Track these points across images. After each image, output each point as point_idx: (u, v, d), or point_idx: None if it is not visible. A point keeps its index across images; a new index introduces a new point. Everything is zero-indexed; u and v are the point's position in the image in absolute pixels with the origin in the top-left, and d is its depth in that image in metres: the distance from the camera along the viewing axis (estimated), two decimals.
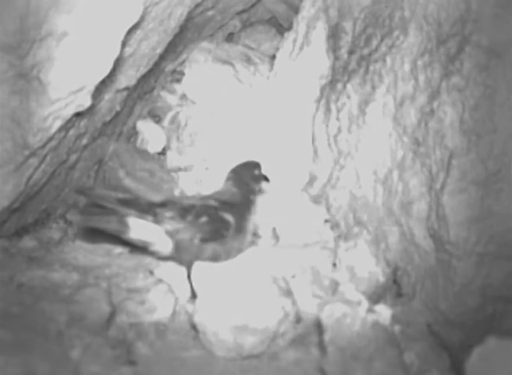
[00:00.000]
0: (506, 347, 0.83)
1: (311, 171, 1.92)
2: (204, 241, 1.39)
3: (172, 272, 1.49)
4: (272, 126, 2.01)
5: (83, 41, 1.36)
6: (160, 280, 1.44)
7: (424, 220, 1.44)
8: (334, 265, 1.58)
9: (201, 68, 2.37)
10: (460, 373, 1.05)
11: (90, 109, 1.54)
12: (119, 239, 1.43)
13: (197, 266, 1.44)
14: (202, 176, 2.18)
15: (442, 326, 1.37)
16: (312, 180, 1.91)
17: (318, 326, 1.24)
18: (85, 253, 1.59)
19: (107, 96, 1.78)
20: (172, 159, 2.30)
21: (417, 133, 1.48)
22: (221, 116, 2.30)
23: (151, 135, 2.35)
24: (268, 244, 1.77)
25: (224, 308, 1.29)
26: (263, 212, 1.83)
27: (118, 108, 1.91)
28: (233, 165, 1.60)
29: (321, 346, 1.18)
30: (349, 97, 1.76)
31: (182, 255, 1.41)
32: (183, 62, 2.42)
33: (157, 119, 2.41)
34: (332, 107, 1.83)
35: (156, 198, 1.45)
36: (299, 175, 1.94)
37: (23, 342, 1.08)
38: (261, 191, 1.58)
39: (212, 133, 2.28)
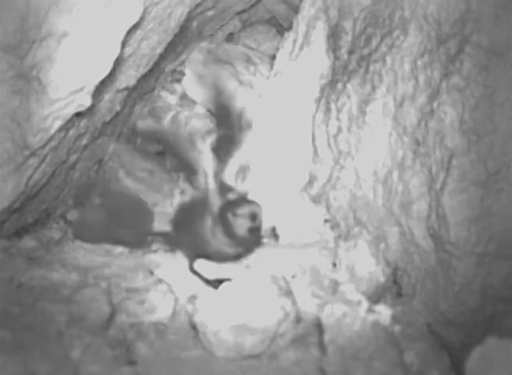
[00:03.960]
0: (506, 347, 0.83)
1: (311, 171, 1.92)
2: None
3: (172, 272, 1.49)
4: (272, 126, 2.01)
5: (83, 41, 1.36)
6: (160, 280, 1.44)
7: (424, 220, 1.44)
8: (334, 265, 1.58)
9: (201, 68, 2.37)
10: (460, 373, 1.05)
11: (90, 109, 1.54)
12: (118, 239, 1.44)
13: (197, 265, 1.44)
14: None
15: (442, 326, 1.37)
16: (312, 180, 1.91)
17: (318, 326, 1.24)
18: (85, 253, 1.59)
19: (107, 96, 1.78)
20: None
21: (417, 133, 1.48)
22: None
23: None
24: (268, 244, 1.77)
25: (224, 308, 1.29)
26: (263, 212, 1.84)
27: (118, 108, 1.91)
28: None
29: (321, 346, 1.18)
30: (349, 97, 1.76)
31: None
32: (183, 62, 2.42)
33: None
34: (332, 107, 1.83)
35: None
36: (299, 175, 1.94)
37: (23, 342, 1.08)
38: None
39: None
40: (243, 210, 1.35)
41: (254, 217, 1.34)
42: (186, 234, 1.49)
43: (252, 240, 1.36)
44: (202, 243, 1.39)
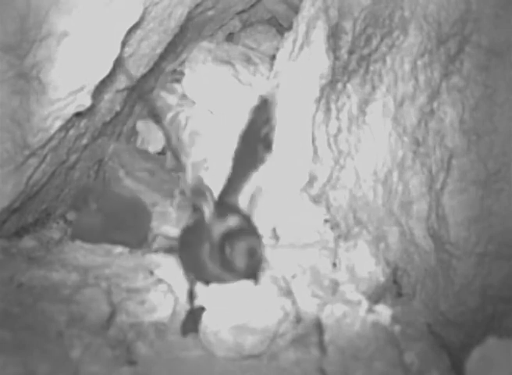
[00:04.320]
0: (506, 347, 0.83)
1: (311, 171, 1.92)
2: None
3: (172, 272, 1.49)
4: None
5: (84, 41, 1.36)
6: (160, 280, 1.44)
7: (424, 220, 1.44)
8: (334, 265, 1.58)
9: (201, 68, 2.37)
10: (460, 373, 1.05)
11: (90, 109, 1.54)
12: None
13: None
14: (202, 176, 2.18)
15: (442, 326, 1.37)
16: (312, 180, 1.91)
17: (318, 326, 1.24)
18: (85, 253, 1.58)
19: (107, 96, 1.78)
20: (172, 159, 2.30)
21: (417, 133, 1.48)
22: (221, 115, 2.30)
23: (151, 135, 2.35)
24: (268, 244, 1.77)
25: (224, 308, 1.29)
26: (263, 212, 1.83)
27: (118, 108, 1.91)
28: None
29: (321, 346, 1.18)
30: (349, 97, 1.76)
31: None
32: (183, 62, 2.42)
33: (157, 119, 2.41)
34: (332, 107, 1.83)
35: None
36: (299, 175, 1.94)
37: (23, 342, 1.08)
38: None
39: (212, 133, 2.28)
40: (241, 245, 1.28)
41: (252, 253, 1.23)
42: (186, 257, 1.43)
43: (250, 275, 1.29)
44: (202, 268, 1.33)
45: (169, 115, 2.39)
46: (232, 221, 1.28)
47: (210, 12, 2.26)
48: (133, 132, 2.35)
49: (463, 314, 1.33)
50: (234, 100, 2.29)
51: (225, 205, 1.35)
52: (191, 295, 1.38)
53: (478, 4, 1.34)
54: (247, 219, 1.32)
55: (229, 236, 1.24)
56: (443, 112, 1.40)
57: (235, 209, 1.34)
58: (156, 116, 1.77)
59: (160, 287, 1.40)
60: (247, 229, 1.28)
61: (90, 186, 2.02)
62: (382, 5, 1.65)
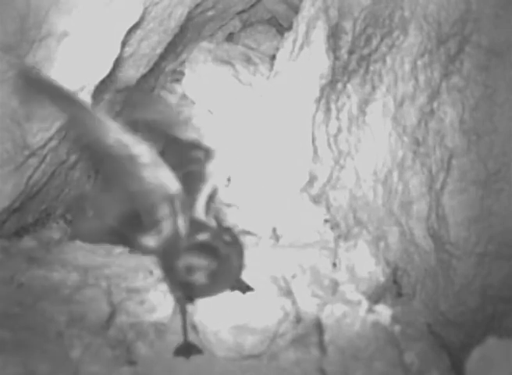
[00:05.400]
0: (506, 347, 0.83)
1: (311, 171, 1.92)
2: None
3: None
4: (272, 126, 2.01)
5: (83, 41, 1.36)
6: (160, 280, 1.44)
7: (424, 220, 1.44)
8: (334, 265, 1.58)
9: (201, 68, 2.37)
10: (460, 373, 1.05)
11: None
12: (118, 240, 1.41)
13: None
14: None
15: (442, 326, 1.37)
16: (312, 180, 1.91)
17: (318, 326, 1.24)
18: (85, 253, 1.59)
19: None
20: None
21: (417, 133, 1.48)
22: (221, 115, 2.31)
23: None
24: (268, 244, 1.77)
25: (224, 308, 1.28)
26: (263, 212, 1.84)
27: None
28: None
29: (321, 346, 1.18)
30: (349, 97, 1.76)
31: None
32: (183, 62, 2.42)
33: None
34: (332, 107, 1.83)
35: None
36: (299, 175, 1.94)
37: (23, 342, 1.08)
38: None
39: (212, 133, 2.28)
40: (182, 262, 1.20)
41: (191, 270, 1.19)
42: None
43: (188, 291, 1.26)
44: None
45: None
46: (202, 237, 1.21)
47: (210, 12, 2.26)
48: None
49: (463, 314, 1.33)
50: (234, 100, 2.29)
51: (196, 224, 1.26)
52: (183, 312, 1.31)
53: (478, 4, 1.34)
54: (216, 238, 1.23)
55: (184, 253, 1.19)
56: (443, 112, 1.40)
57: (205, 229, 1.25)
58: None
59: (160, 287, 1.40)
60: (205, 246, 1.21)
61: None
62: (382, 5, 1.65)
